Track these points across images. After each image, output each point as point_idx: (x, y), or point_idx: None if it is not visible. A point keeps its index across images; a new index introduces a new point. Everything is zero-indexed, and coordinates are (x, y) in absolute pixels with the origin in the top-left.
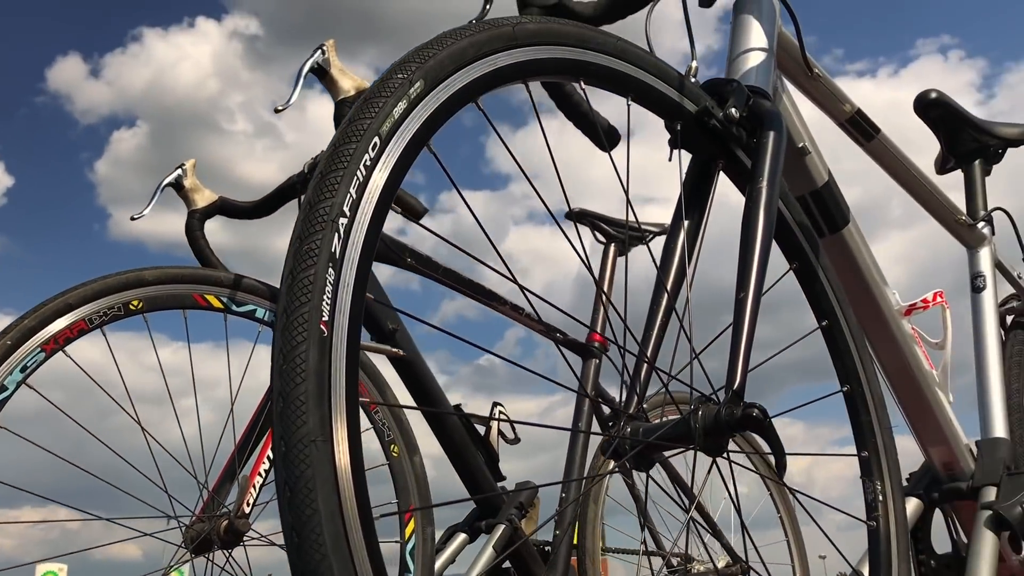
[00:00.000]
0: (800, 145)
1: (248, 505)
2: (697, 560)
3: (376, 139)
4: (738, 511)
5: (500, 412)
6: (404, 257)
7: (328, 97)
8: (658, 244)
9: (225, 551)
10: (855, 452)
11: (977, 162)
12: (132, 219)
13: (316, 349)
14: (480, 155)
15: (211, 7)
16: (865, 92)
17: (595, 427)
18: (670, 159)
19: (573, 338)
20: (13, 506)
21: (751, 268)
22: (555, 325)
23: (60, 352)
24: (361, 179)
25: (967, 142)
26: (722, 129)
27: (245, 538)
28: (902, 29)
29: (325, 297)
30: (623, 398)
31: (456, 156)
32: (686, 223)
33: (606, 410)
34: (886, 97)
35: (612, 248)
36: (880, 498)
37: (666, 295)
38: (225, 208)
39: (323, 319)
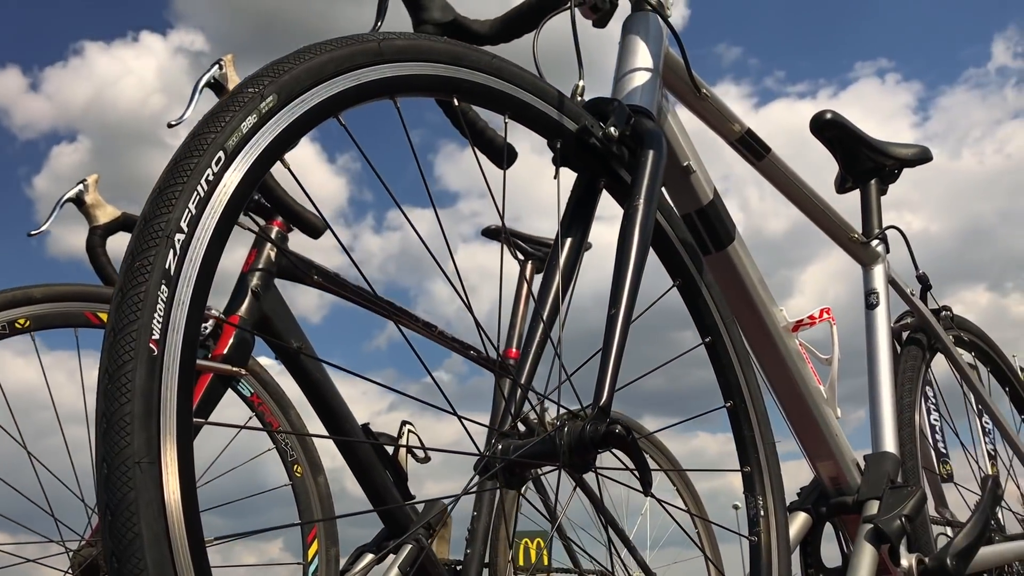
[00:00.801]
0: (685, 164)
1: None
2: None
3: (221, 153)
4: (605, 527)
5: (409, 430)
6: (310, 274)
7: None
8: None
9: None
10: (738, 468)
11: (873, 181)
12: (29, 235)
13: (144, 368)
14: (428, 172)
15: (156, 22)
16: (806, 114)
17: None
18: (555, 177)
19: (487, 355)
20: None
21: (624, 285)
22: (469, 343)
23: None
24: (203, 194)
25: (863, 161)
26: (602, 147)
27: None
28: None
29: (156, 314)
30: (494, 416)
31: (403, 173)
32: (569, 240)
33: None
34: None
35: (529, 265)
36: (762, 513)
37: (544, 314)
38: (128, 224)
39: (153, 337)
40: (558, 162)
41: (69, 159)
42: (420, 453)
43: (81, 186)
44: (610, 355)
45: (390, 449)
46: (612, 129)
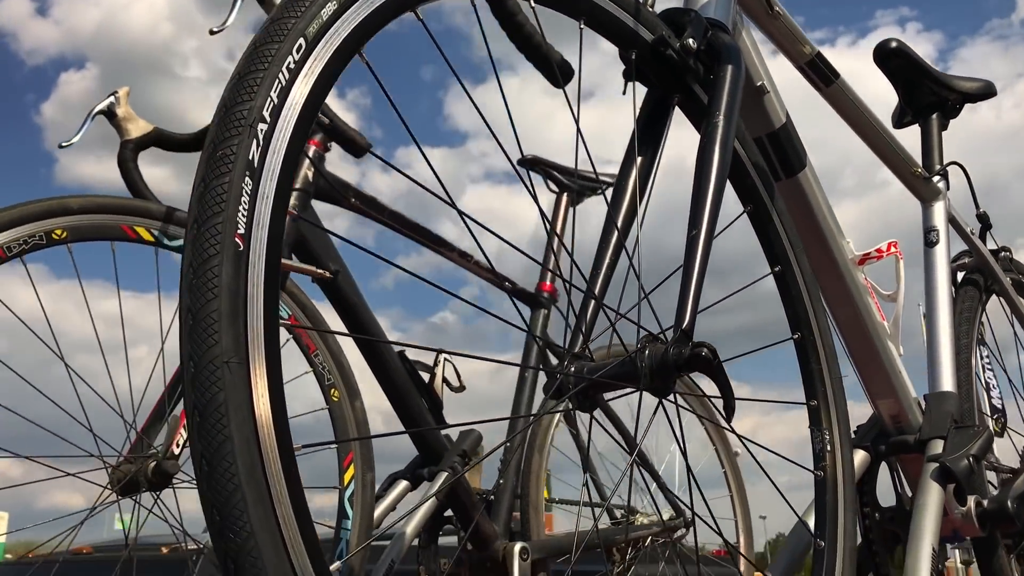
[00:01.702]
0: (759, 84)
1: (177, 446)
2: (641, 512)
3: (301, 40)
4: (684, 454)
5: (445, 359)
6: (347, 196)
7: None
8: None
9: (153, 493)
10: (804, 402)
11: (934, 116)
12: (60, 146)
13: (231, 264)
14: (438, 111)
15: None
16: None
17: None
18: (624, 92)
19: (523, 288)
20: None
21: (704, 206)
22: (505, 275)
23: None
24: (284, 83)
25: (926, 95)
26: (678, 60)
27: (174, 480)
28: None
29: (241, 208)
30: (568, 338)
31: (415, 111)
32: (639, 160)
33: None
34: (844, 66)
35: (564, 197)
36: (828, 448)
37: (616, 233)
38: (161, 140)
39: (238, 231)
40: (631, 75)
41: (78, 86)
42: (455, 382)
43: (112, 98)
44: (691, 277)
45: (425, 377)
46: (690, 41)
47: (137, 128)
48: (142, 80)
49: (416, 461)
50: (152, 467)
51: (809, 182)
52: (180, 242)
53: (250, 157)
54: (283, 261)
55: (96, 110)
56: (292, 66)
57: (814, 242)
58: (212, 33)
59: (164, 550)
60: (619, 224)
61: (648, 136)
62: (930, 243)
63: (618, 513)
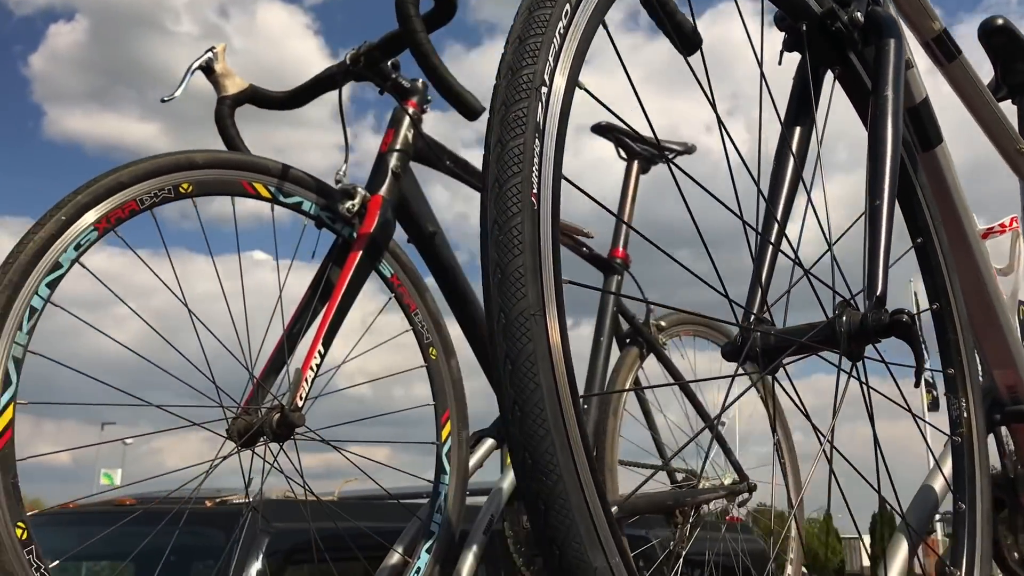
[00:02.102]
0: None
1: (301, 399)
2: (704, 477)
3: (567, 6)
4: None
5: None
6: (442, 159)
7: None
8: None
9: (275, 445)
10: (941, 369)
11: None
12: (163, 101)
13: (529, 222)
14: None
15: None
16: None
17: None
18: (780, 63)
19: (597, 253)
20: (53, 385)
21: (883, 175)
22: (584, 241)
23: (112, 232)
24: (556, 47)
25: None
26: (845, 33)
27: (297, 433)
28: None
29: (534, 168)
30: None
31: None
32: (798, 129)
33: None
34: None
35: (635, 165)
36: (964, 414)
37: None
38: (256, 97)
39: (533, 191)
40: (787, 46)
41: (67, 39)
42: None
43: (211, 54)
44: (879, 246)
45: None
46: (857, 14)
47: (234, 84)
48: (131, 33)
49: (501, 420)
50: (277, 419)
51: (945, 156)
52: (295, 199)
53: (537, 119)
54: (561, 222)
55: (195, 65)
56: (562, 31)
57: (947, 214)
58: (163, 102)
59: (209, 503)
60: (787, 188)
61: (805, 105)
62: None
63: (679, 477)
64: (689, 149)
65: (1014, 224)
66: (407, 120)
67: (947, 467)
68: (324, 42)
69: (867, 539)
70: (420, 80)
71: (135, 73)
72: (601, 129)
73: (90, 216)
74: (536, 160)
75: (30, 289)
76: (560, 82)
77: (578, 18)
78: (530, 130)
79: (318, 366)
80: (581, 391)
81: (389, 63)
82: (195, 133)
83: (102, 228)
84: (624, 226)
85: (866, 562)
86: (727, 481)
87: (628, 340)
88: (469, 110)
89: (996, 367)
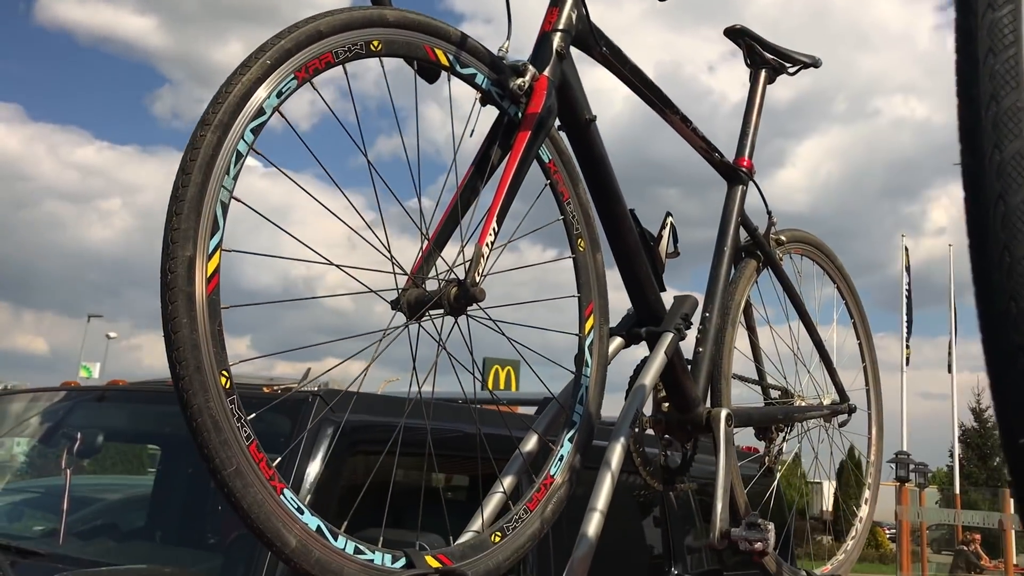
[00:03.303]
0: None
1: (479, 274)
2: (798, 395)
3: None
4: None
5: (671, 223)
6: (600, 46)
7: None
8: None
9: (450, 318)
10: None
11: None
12: None
13: None
14: None
15: None
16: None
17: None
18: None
19: (727, 160)
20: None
21: None
22: (715, 145)
23: (308, 83)
24: None
25: None
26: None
27: (470, 309)
28: None
29: None
30: None
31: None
32: None
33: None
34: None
35: (762, 74)
36: None
37: None
38: None
39: None
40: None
41: None
42: (671, 247)
43: None
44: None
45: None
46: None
47: None
48: None
49: (631, 319)
50: (454, 292)
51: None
52: (470, 70)
53: None
54: None
55: None
56: None
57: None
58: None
59: (266, 389)
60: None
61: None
62: None
63: (775, 394)
64: (816, 62)
65: None
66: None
67: None
68: None
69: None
70: None
71: None
72: (733, 33)
73: (291, 63)
74: None
75: (237, 132)
76: None
77: None
78: None
79: (492, 243)
80: (701, 300)
81: None
82: (190, 29)
83: (301, 78)
84: (750, 135)
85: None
86: (826, 402)
87: (745, 252)
88: None
89: None
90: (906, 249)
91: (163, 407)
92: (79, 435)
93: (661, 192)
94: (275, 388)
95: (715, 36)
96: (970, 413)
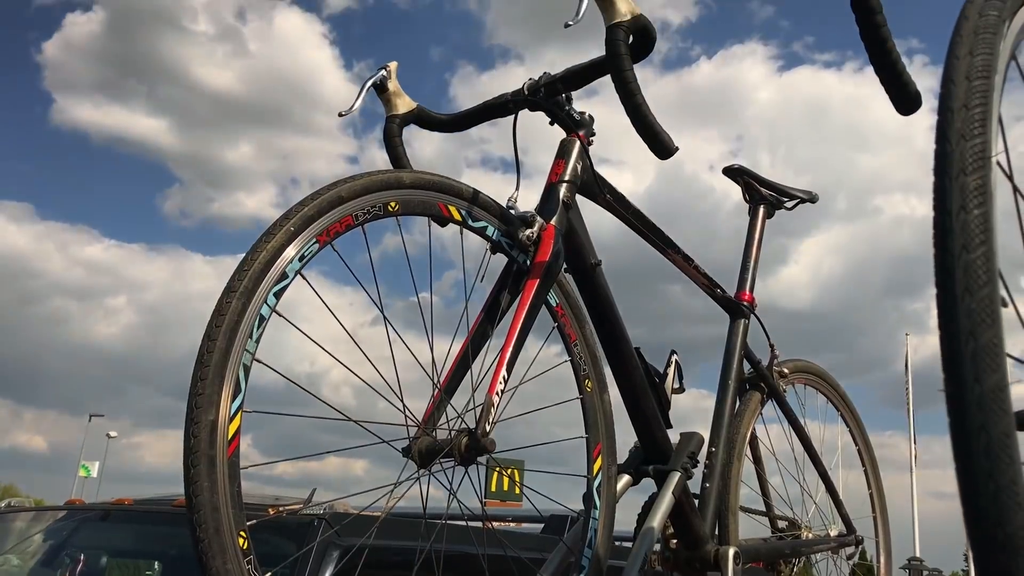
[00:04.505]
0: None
1: (489, 424)
2: (804, 525)
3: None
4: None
5: (676, 360)
6: (604, 193)
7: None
8: (800, 211)
9: (459, 467)
10: None
11: None
12: (340, 115)
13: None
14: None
15: None
16: (829, 83)
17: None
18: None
19: (728, 295)
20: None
21: None
22: (716, 281)
23: (329, 245)
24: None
25: None
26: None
27: (479, 460)
28: None
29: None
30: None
31: (421, 91)
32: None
33: (747, 368)
34: (847, 92)
35: (761, 209)
36: None
37: None
38: (422, 118)
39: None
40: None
41: (82, 29)
42: (676, 383)
43: (384, 72)
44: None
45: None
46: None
47: (404, 104)
48: (147, 30)
49: (638, 457)
50: (465, 442)
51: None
52: (481, 223)
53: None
54: None
55: (370, 83)
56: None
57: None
58: (340, 116)
59: (271, 511)
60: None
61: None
62: None
63: (782, 525)
64: (812, 198)
65: None
66: (577, 151)
67: None
68: (339, 52)
69: None
70: (587, 113)
71: (147, 68)
72: (732, 172)
73: (314, 228)
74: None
75: (260, 298)
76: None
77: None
78: (988, 204)
79: (502, 391)
80: (706, 435)
81: (563, 95)
82: (201, 131)
83: (322, 241)
84: (751, 269)
85: None
86: (833, 532)
87: (749, 385)
88: (663, 149)
89: None
90: (907, 348)
91: (167, 528)
92: (82, 556)
93: (667, 288)
94: (280, 510)
95: (715, 136)
96: None
